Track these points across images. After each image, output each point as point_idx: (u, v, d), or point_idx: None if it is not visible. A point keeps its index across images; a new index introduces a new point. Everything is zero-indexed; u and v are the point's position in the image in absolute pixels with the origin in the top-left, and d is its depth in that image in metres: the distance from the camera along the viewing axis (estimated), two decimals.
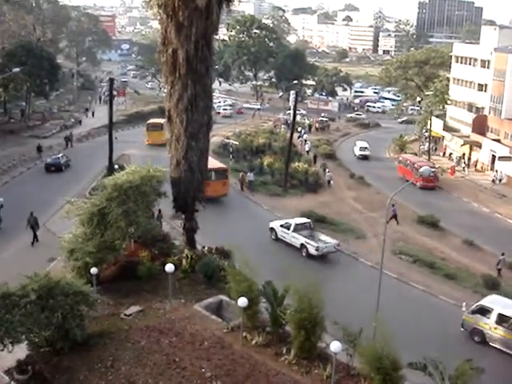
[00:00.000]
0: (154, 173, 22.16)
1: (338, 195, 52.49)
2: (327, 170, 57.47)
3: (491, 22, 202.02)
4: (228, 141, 66.51)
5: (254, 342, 17.23)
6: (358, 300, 26.97)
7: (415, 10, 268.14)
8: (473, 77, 70.85)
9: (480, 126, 67.26)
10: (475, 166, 66.69)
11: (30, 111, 78.88)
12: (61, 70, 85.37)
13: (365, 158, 70.69)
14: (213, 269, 22.06)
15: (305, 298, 16.21)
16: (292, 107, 60.54)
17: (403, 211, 45.60)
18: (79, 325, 16.52)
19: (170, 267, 19.44)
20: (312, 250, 34.64)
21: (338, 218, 44.14)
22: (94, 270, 19.60)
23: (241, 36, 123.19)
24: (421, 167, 53.02)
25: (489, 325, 25.75)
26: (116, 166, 42.74)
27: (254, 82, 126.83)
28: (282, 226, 37.24)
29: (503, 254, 35.28)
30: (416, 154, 71.40)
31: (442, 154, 74.16)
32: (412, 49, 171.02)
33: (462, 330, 26.79)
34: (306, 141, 73.18)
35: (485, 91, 68.76)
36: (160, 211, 32.38)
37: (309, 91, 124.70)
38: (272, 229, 37.80)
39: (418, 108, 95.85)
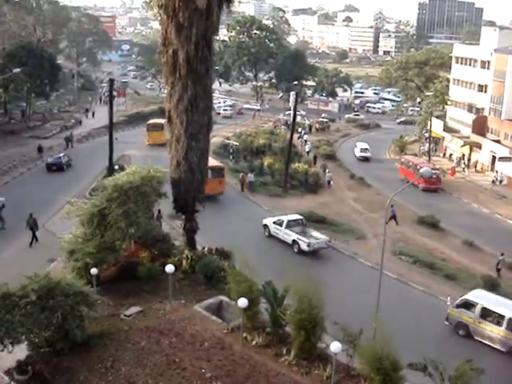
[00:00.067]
0: (155, 173, 22.16)
1: (338, 196, 52.51)
2: (327, 171, 57.49)
3: (491, 23, 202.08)
4: (228, 141, 66.56)
5: (254, 342, 17.23)
6: (358, 300, 26.94)
7: (415, 11, 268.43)
8: (473, 78, 70.86)
9: (480, 126, 67.26)
10: (475, 166, 66.72)
11: (31, 112, 78.94)
12: (61, 70, 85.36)
13: (365, 159, 70.40)
14: (213, 269, 22.06)
15: (305, 298, 16.21)
16: (292, 108, 60.56)
17: (403, 212, 45.63)
18: (79, 325, 16.52)
19: (170, 268, 19.44)
20: (303, 246, 35.23)
21: (338, 218, 44.17)
22: (94, 271, 19.60)
23: (241, 37, 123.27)
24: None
25: (473, 319, 26.19)
26: (116, 167, 42.75)
27: (254, 83, 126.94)
28: (274, 222, 37.78)
29: (502, 255, 35.31)
30: (416, 155, 71.41)
31: (442, 154, 74.18)
32: (412, 49, 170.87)
33: (447, 323, 27.33)
34: (306, 141, 73.23)
35: (485, 92, 68.76)
36: (160, 211, 32.38)
37: (309, 92, 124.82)
38: (265, 226, 38.40)
39: (418, 109, 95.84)
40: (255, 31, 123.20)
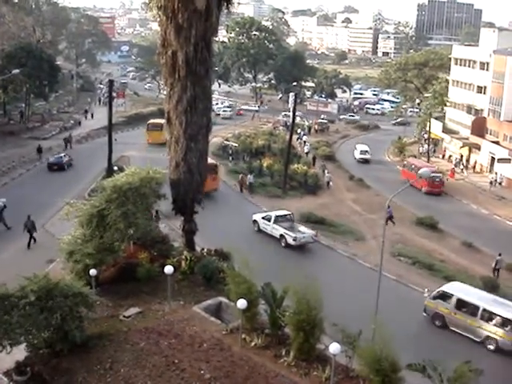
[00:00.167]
0: (154, 174, 22.16)
1: (337, 197, 52.56)
2: (326, 172, 57.54)
3: (490, 24, 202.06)
4: (227, 142, 66.60)
5: (253, 343, 17.22)
6: (357, 301, 26.99)
7: (414, 12, 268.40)
8: (472, 79, 70.97)
9: (479, 128, 67.37)
10: (474, 167, 66.81)
11: (30, 113, 78.87)
12: (60, 71, 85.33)
13: (365, 161, 70.02)
14: (212, 270, 22.05)
15: (303, 299, 16.21)
16: (291, 109, 60.62)
17: (402, 213, 45.71)
18: (78, 326, 16.49)
19: (169, 269, 19.44)
20: (290, 240, 36.54)
21: (337, 219, 44.23)
22: (93, 272, 19.59)
23: (240, 38, 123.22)
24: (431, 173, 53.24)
25: (449, 309, 27.14)
26: (115, 168, 42.77)
27: (254, 84, 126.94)
28: (263, 218, 39.18)
29: (500, 255, 35.33)
30: (415, 156, 71.50)
31: (441, 156, 74.23)
32: (411, 51, 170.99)
33: (425, 315, 28.11)
34: (305, 142, 73.27)
35: (484, 93, 68.89)
36: (157, 212, 32.39)
37: (308, 93, 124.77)
38: (255, 221, 39.65)
39: (418, 110, 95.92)
40: (254, 32, 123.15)
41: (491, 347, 25.64)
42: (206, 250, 24.96)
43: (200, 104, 23.44)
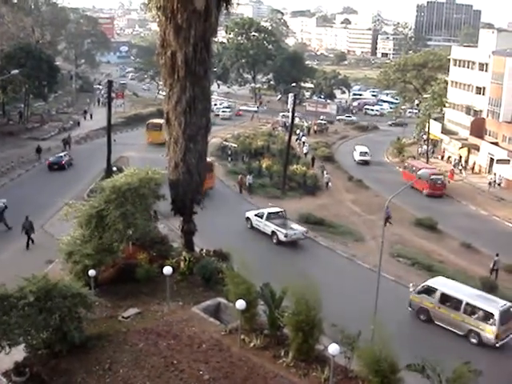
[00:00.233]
0: (153, 175, 22.17)
1: (336, 198, 52.56)
2: (325, 173, 57.54)
3: (489, 25, 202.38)
4: (227, 143, 66.61)
5: (251, 344, 17.21)
6: (356, 302, 26.99)
7: (414, 13, 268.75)
8: (471, 80, 70.99)
9: (478, 128, 67.40)
10: (472, 168, 66.84)
11: (29, 113, 78.85)
12: (59, 72, 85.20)
13: (365, 163, 69.51)
14: (211, 271, 22.05)
15: (302, 300, 16.20)
16: (290, 110, 60.64)
17: (401, 214, 45.70)
18: (77, 327, 16.49)
19: (168, 269, 19.44)
20: (281, 237, 37.14)
21: (336, 220, 44.22)
22: (92, 273, 19.59)
23: (239, 38, 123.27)
24: (430, 174, 53.16)
25: (433, 304, 27.57)
26: (114, 168, 42.74)
27: (253, 85, 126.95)
28: (256, 215, 39.77)
29: (497, 255, 35.31)
30: (414, 157, 71.49)
31: (440, 157, 74.22)
32: (410, 52, 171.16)
33: (410, 309, 28.49)
34: (304, 143, 73.24)
35: (483, 94, 68.91)
36: (155, 212, 32.34)
37: (307, 94, 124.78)
38: (248, 218, 40.24)
39: (417, 111, 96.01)
40: (253, 33, 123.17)
41: (474, 341, 26.05)
42: (204, 250, 24.98)
43: (199, 105, 23.45)
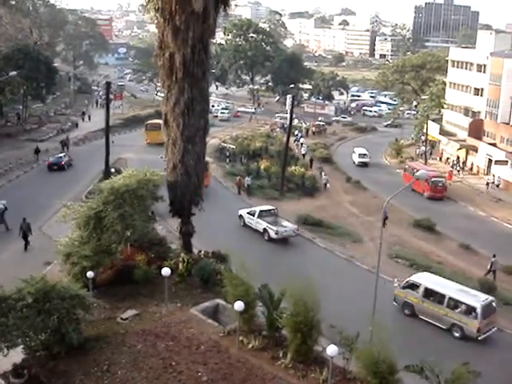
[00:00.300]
0: (151, 176, 22.17)
1: (334, 199, 52.54)
2: (323, 174, 57.53)
3: (487, 27, 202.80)
4: (225, 144, 66.60)
5: (250, 345, 17.22)
6: (354, 303, 26.99)
7: (411, 15, 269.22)
8: (469, 81, 71.04)
9: (476, 130, 67.40)
10: (471, 169, 66.89)
11: (27, 115, 78.80)
12: (58, 73, 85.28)
13: (364, 165, 68.84)
14: (209, 273, 22.06)
15: (300, 301, 16.20)
16: (289, 111, 60.64)
17: (399, 215, 45.72)
18: (75, 328, 16.48)
19: (166, 271, 19.44)
20: (272, 234, 37.96)
21: (334, 221, 44.21)
22: (90, 274, 19.58)
23: (237, 40, 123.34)
24: (431, 177, 53.19)
25: (417, 298, 28.21)
26: (112, 170, 42.75)
27: (251, 86, 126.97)
28: (248, 213, 40.58)
29: (494, 256, 35.28)
30: (412, 159, 71.50)
31: (438, 158, 74.24)
32: (408, 53, 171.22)
33: (395, 304, 29.09)
34: (302, 144, 73.23)
35: (481, 95, 68.94)
36: (153, 213, 32.35)
37: (305, 95, 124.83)
38: (240, 216, 41.05)
39: (415, 112, 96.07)
40: (252, 34, 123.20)
41: (457, 334, 26.67)
42: (203, 252, 24.98)
43: (197, 106, 23.45)
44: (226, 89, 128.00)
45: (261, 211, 39.97)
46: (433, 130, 74.12)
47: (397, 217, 43.82)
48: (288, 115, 62.22)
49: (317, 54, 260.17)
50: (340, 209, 49.28)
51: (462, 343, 26.06)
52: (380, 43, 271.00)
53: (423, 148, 74.06)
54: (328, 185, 55.20)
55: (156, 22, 23.25)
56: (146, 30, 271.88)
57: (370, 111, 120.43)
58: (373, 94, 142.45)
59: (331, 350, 14.50)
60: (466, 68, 72.54)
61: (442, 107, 73.44)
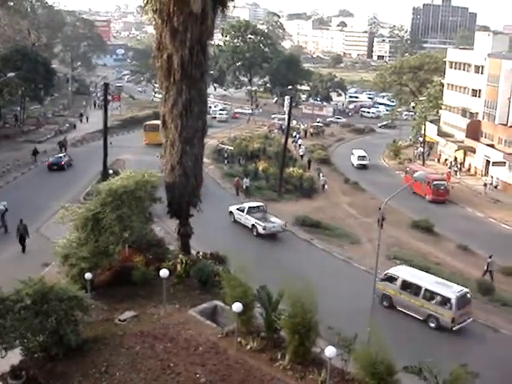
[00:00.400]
0: (149, 178, 22.15)
1: (332, 200, 52.56)
2: (321, 175, 57.55)
3: (485, 28, 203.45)
4: (223, 146, 66.62)
5: (248, 347, 17.20)
6: (352, 304, 27.02)
7: (409, 16, 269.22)
8: (467, 82, 71.15)
9: (474, 131, 67.48)
10: (468, 170, 66.94)
11: (25, 116, 78.77)
12: (56, 74, 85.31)
13: (363, 167, 68.52)
14: (207, 274, 22.03)
15: (298, 302, 16.19)
16: (287, 112, 60.68)
17: (398, 216, 45.73)
18: (73, 330, 16.46)
19: (164, 272, 19.42)
20: (260, 230, 38.96)
21: (332, 223, 44.23)
22: (88, 275, 19.55)
23: (236, 41, 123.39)
24: (433, 179, 53.12)
25: (395, 291, 29.14)
26: (110, 171, 42.71)
27: (249, 87, 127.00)
28: (237, 209, 41.70)
29: (491, 257, 35.28)
30: (410, 160, 71.55)
31: (436, 159, 74.29)
32: (406, 54, 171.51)
33: (375, 296, 28.94)
34: (300, 146, 73.27)
35: (479, 97, 69.07)
36: (151, 214, 32.28)
37: (303, 96, 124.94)
38: (230, 212, 42.09)
39: (413, 113, 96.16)
40: (250, 36, 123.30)
41: (433, 325, 27.46)
42: (201, 253, 24.97)
43: (195, 107, 23.43)
44: (224, 90, 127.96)
45: (250, 207, 41.02)
46: (431, 131, 74.21)
47: (395, 218, 43.84)
48: (286, 116, 62.29)
49: (315, 56, 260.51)
50: (338, 210, 49.29)
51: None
52: (378, 44, 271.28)
53: (421, 149, 74.12)
54: (326, 186, 55.23)
55: (154, 23, 23.23)
56: (144, 32, 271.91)
57: (368, 112, 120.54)
58: (371, 96, 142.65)
59: (329, 351, 14.50)
60: (464, 69, 72.66)
61: (440, 108, 73.59)
